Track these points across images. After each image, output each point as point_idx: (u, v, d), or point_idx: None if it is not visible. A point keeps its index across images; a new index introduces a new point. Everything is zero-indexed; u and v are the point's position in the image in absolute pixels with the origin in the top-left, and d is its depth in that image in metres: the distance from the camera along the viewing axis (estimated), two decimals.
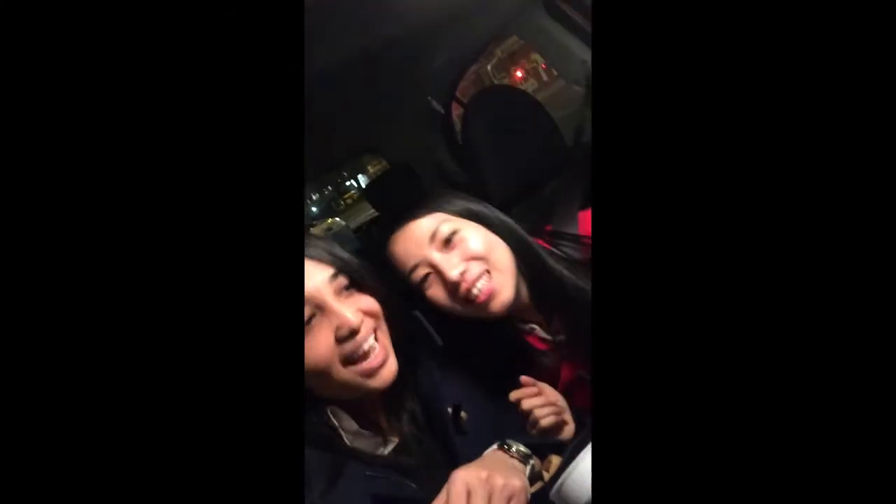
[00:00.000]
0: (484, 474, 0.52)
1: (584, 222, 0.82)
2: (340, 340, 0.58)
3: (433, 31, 1.09)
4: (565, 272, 0.73)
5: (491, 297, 0.69)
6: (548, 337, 0.77)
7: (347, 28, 0.85)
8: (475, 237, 0.70)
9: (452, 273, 0.67)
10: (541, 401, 0.66)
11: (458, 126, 1.68)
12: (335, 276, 0.60)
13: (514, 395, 0.66)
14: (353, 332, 0.58)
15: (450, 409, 0.67)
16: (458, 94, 1.65)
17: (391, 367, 0.61)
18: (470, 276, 0.68)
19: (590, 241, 0.77)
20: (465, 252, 0.69)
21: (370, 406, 0.65)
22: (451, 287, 0.68)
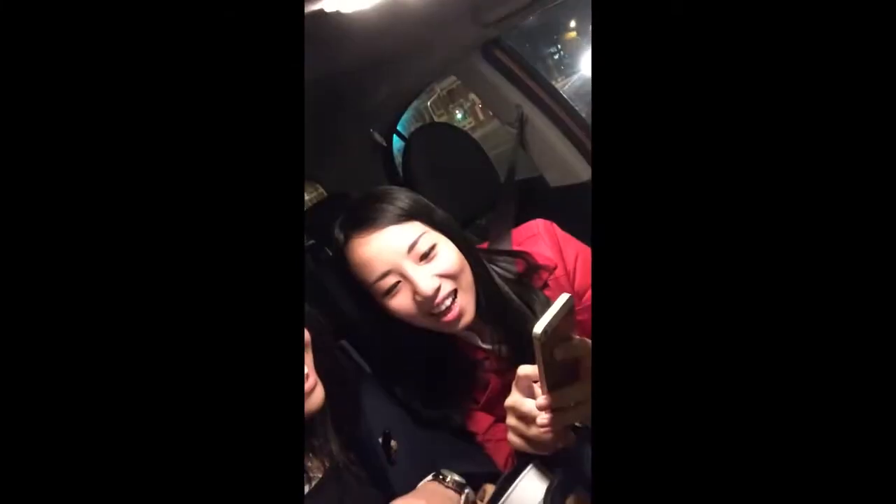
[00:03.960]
0: (420, 503, 0.52)
1: (517, 237, 0.86)
2: None
3: (378, 67, 1.12)
4: (506, 287, 0.76)
5: (459, 316, 0.70)
6: (483, 346, 0.80)
7: None
8: (450, 255, 0.70)
9: (427, 289, 0.67)
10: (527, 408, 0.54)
11: (397, 159, 1.71)
12: None
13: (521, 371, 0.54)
14: None
15: (380, 439, 0.67)
16: (399, 127, 1.69)
17: (319, 394, 0.61)
18: (442, 295, 0.68)
19: (524, 256, 0.80)
20: (439, 268, 0.69)
21: None
22: (423, 301, 0.68)
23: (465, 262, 0.72)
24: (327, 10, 0.66)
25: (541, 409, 0.50)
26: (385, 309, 0.71)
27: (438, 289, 0.67)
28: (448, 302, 0.69)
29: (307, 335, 0.63)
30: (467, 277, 0.71)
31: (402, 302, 0.69)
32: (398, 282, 0.68)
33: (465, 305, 0.70)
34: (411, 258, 0.68)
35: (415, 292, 0.67)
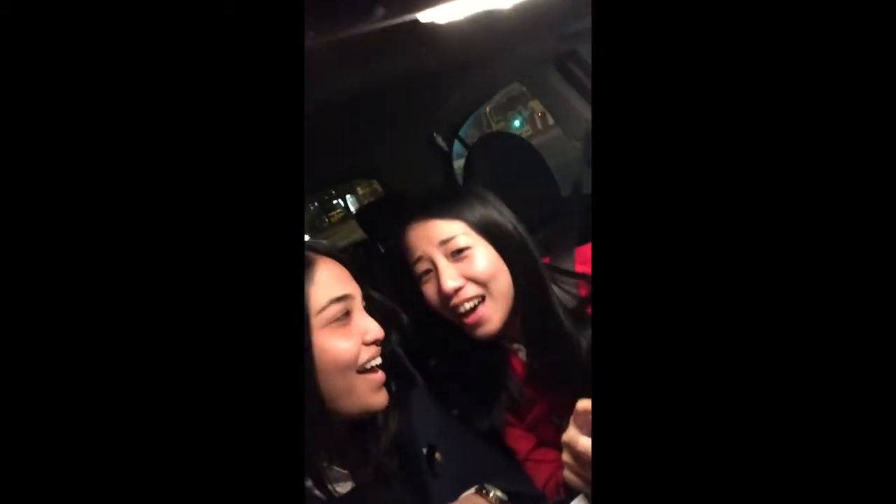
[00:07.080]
0: None
1: (580, 256, 0.84)
2: (367, 345, 0.59)
3: (450, 72, 1.13)
4: (562, 313, 0.74)
5: (479, 322, 0.70)
6: (528, 361, 0.78)
7: (367, 56, 0.88)
8: (483, 260, 0.71)
9: (448, 284, 0.69)
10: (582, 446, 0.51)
11: (456, 163, 1.72)
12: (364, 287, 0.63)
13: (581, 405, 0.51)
14: (378, 342, 0.60)
15: (425, 450, 0.66)
16: (460, 133, 1.69)
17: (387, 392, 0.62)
18: (463, 295, 0.69)
19: (587, 278, 0.78)
20: (467, 270, 0.70)
21: (340, 440, 0.64)
22: (443, 296, 0.70)
23: (501, 272, 0.71)
24: (422, 20, 0.67)
25: None
26: (422, 298, 0.73)
27: (459, 289, 0.69)
28: (469, 305, 0.70)
29: (381, 332, 0.63)
30: (499, 287, 0.71)
31: (429, 291, 0.72)
32: (429, 270, 0.71)
33: (489, 313, 0.70)
34: (442, 251, 0.70)
35: (437, 284, 0.70)
